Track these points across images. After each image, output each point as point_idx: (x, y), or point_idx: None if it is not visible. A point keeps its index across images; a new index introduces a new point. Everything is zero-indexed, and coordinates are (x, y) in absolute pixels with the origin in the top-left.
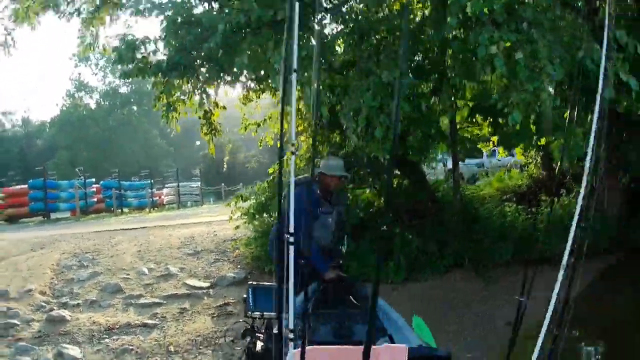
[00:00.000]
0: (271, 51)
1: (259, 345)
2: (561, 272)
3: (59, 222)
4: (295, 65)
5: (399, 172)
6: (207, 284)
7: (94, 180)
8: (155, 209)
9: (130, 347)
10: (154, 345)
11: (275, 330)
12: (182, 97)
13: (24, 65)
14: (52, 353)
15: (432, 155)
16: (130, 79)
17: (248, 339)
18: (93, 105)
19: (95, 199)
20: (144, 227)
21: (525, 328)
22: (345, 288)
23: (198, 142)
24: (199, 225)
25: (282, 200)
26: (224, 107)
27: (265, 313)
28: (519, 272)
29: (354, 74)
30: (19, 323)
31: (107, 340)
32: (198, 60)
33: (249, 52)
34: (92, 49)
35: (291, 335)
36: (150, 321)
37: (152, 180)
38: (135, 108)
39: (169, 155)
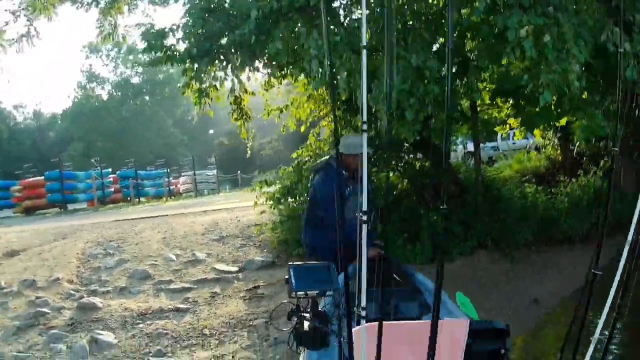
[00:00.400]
0: (304, 36)
1: (306, 324)
2: (626, 248)
3: (76, 213)
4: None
5: (422, 155)
6: (235, 268)
7: (110, 170)
8: (172, 197)
9: (165, 332)
10: (189, 328)
11: (321, 308)
12: (214, 82)
13: (33, 57)
14: (86, 339)
15: (454, 138)
16: (157, 66)
17: (294, 319)
18: (105, 96)
19: (113, 189)
20: (165, 215)
21: (548, 306)
22: (388, 266)
23: (212, 131)
24: (220, 212)
25: (310, 186)
26: (253, 93)
27: (309, 292)
28: (541, 252)
29: (382, 57)
30: (49, 311)
31: (140, 325)
32: (230, 47)
33: (282, 38)
34: (111, 38)
35: (363, 313)
36: (182, 305)
37: (168, 169)
38: (147, 98)
39: (183, 144)
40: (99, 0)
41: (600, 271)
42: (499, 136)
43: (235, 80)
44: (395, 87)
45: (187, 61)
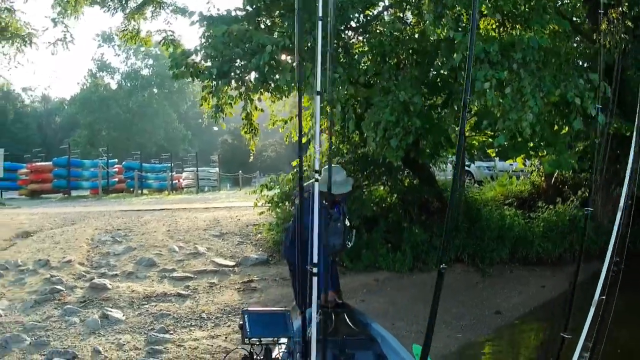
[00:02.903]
0: (309, 71)
1: None
2: (591, 310)
3: (80, 200)
4: (318, 88)
5: (410, 172)
6: (232, 263)
7: (116, 161)
8: (174, 191)
9: (168, 313)
10: (189, 312)
11: (275, 355)
12: (229, 101)
13: (45, 43)
14: (98, 315)
15: (443, 160)
16: (179, 79)
17: None
18: (114, 86)
19: (117, 179)
20: (169, 209)
21: (509, 318)
22: (344, 314)
23: (216, 128)
24: (221, 210)
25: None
26: (262, 110)
27: (263, 339)
28: (514, 270)
29: (376, 89)
30: (63, 289)
31: (146, 306)
32: (245, 71)
33: (291, 71)
34: (134, 42)
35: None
36: (183, 292)
37: (172, 164)
38: (156, 90)
39: (187, 139)
40: (125, 5)
41: (570, 335)
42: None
43: (248, 100)
44: (384, 118)
45: (207, 80)
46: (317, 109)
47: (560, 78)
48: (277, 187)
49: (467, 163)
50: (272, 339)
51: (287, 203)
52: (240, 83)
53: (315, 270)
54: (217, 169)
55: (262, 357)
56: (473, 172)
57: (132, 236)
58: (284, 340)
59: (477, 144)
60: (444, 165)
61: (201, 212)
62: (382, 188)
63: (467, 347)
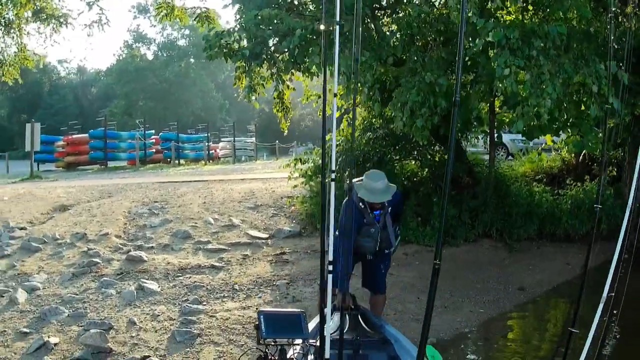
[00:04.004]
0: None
1: None
2: (601, 305)
3: (117, 171)
4: (335, 90)
5: (441, 147)
6: (266, 235)
7: (153, 132)
8: (211, 161)
9: (201, 284)
10: (221, 283)
11: (290, 356)
12: (261, 82)
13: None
14: (134, 286)
15: (474, 135)
16: (213, 60)
17: None
18: (150, 57)
19: (154, 150)
20: (205, 181)
21: (532, 295)
22: (359, 315)
23: (254, 97)
24: (256, 182)
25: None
26: (294, 89)
27: (278, 339)
28: (541, 246)
29: (405, 69)
30: (100, 261)
31: (180, 277)
32: (276, 53)
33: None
34: (169, 19)
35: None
36: (217, 264)
37: (208, 134)
38: (192, 60)
39: (224, 108)
40: None
41: (577, 330)
42: None
43: (279, 80)
44: (410, 99)
45: (240, 61)
46: (335, 108)
47: (582, 64)
48: (311, 160)
49: (497, 135)
50: (287, 340)
51: (319, 177)
52: (272, 63)
53: (330, 268)
54: (254, 138)
55: (276, 358)
56: (508, 145)
57: (168, 208)
58: (298, 341)
59: (506, 120)
60: (476, 140)
61: (237, 184)
62: (413, 162)
63: (489, 322)
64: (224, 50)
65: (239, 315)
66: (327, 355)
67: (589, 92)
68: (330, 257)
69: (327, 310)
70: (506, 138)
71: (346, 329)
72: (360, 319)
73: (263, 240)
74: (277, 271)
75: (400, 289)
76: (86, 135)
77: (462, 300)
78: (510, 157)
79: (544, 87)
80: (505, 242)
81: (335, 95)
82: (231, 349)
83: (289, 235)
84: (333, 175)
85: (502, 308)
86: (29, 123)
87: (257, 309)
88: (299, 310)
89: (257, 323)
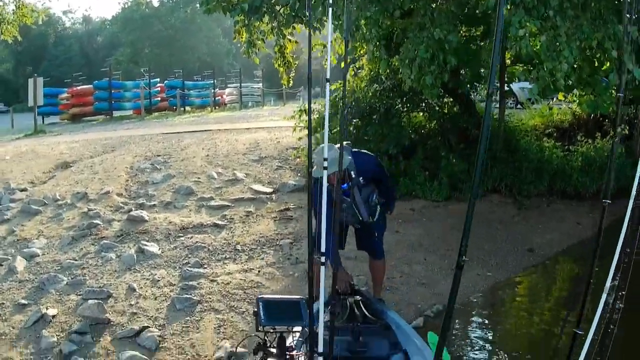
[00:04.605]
0: (341, 9)
1: None
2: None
3: (123, 121)
4: (328, 76)
5: (450, 99)
6: (270, 190)
7: (158, 80)
8: (217, 108)
9: (203, 245)
10: (224, 243)
11: (289, 343)
12: (261, 36)
13: None
14: (134, 249)
15: (483, 87)
16: (211, 14)
17: (260, 354)
18: (156, 3)
19: (159, 98)
20: (209, 130)
21: (541, 256)
22: (359, 301)
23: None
24: (262, 131)
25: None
26: (297, 42)
27: (277, 327)
28: (551, 203)
29: (413, 21)
30: (100, 223)
31: (182, 238)
32: (276, 7)
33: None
34: None
35: (320, 349)
36: (220, 222)
37: (215, 80)
38: (198, 6)
39: (231, 53)
40: None
41: (582, 331)
42: None
43: (280, 35)
44: (418, 55)
45: (239, 15)
46: (327, 95)
47: (600, 24)
48: (316, 111)
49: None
50: (286, 327)
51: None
52: (272, 17)
53: (323, 259)
54: (260, 84)
55: (275, 345)
56: (517, 94)
57: (171, 162)
58: (298, 328)
59: (517, 72)
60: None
61: (241, 134)
62: (420, 114)
63: (495, 287)
64: (222, 4)
65: (241, 279)
66: (320, 349)
67: (607, 56)
68: (323, 249)
69: (321, 305)
70: (515, 87)
71: (346, 315)
72: (361, 304)
73: (267, 195)
74: (280, 229)
75: (406, 249)
76: (90, 86)
77: (470, 262)
78: (519, 106)
79: (560, 49)
80: (515, 197)
81: (328, 80)
82: (232, 317)
83: (294, 190)
84: (326, 163)
85: (511, 272)
86: (32, 78)
87: (258, 272)
88: (299, 297)
89: (255, 310)
